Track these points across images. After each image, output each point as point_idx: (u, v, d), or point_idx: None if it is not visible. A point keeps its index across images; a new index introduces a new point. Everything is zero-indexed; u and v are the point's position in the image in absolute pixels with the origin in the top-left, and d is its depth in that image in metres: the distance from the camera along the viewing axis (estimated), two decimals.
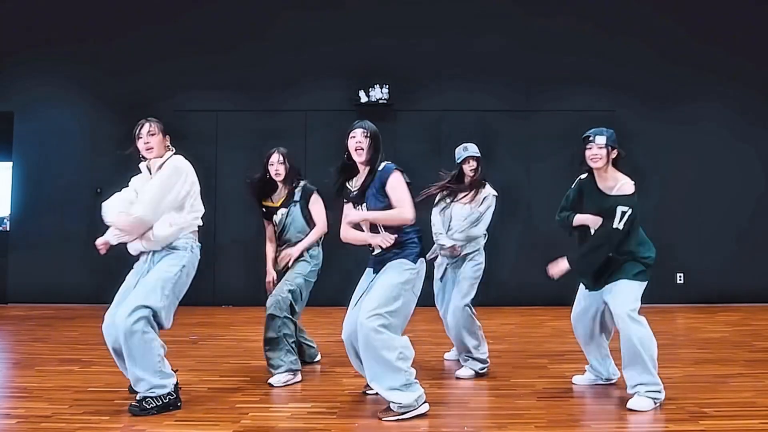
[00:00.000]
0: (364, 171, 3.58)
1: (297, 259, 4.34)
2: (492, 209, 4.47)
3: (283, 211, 4.42)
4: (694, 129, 8.10)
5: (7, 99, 8.22)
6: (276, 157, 4.43)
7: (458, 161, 4.50)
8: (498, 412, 3.48)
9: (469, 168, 4.46)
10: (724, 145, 8.06)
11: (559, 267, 3.71)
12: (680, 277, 7.97)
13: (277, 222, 4.44)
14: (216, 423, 3.29)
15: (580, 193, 3.81)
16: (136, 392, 3.49)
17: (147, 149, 3.77)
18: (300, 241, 4.37)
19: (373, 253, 3.58)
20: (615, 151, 3.79)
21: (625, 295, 3.62)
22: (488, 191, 4.48)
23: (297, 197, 4.42)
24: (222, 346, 5.37)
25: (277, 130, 7.93)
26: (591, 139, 3.79)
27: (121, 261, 8.44)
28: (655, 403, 3.49)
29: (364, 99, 7.96)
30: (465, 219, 4.41)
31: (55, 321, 6.77)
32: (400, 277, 3.41)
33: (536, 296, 7.52)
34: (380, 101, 7.96)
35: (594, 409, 3.50)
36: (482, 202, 4.44)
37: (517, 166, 7.95)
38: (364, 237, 3.58)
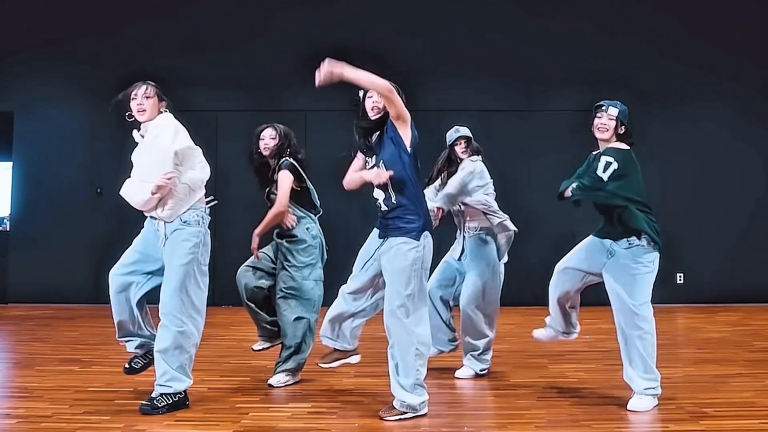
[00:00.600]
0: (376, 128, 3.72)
1: (288, 252, 4.18)
2: (467, 172, 4.32)
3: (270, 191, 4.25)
4: (694, 129, 8.10)
5: (7, 99, 8.22)
6: (268, 132, 4.37)
7: (449, 143, 4.50)
8: (498, 412, 3.48)
9: (460, 150, 4.45)
10: (724, 145, 8.06)
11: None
12: (680, 277, 7.97)
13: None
14: (216, 423, 3.29)
15: (584, 168, 3.76)
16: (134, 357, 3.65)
17: (139, 111, 3.66)
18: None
19: (380, 208, 3.54)
20: (624, 127, 3.73)
21: (637, 285, 3.50)
22: (471, 160, 4.40)
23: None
24: (222, 346, 5.37)
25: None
26: (603, 108, 3.71)
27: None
28: (655, 400, 3.47)
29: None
30: None
31: (55, 321, 6.77)
32: (405, 260, 3.36)
33: (536, 296, 7.52)
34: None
35: (594, 409, 3.49)
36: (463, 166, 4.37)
37: (517, 166, 7.95)
38: (361, 175, 3.62)
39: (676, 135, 8.08)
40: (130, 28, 8.25)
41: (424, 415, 3.37)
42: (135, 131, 3.77)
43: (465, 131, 4.51)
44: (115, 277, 3.68)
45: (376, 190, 3.55)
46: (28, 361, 4.74)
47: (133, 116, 3.70)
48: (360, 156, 3.75)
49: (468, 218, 4.37)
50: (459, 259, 4.38)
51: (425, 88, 8.11)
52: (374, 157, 3.64)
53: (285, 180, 4.14)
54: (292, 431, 3.20)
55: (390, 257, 3.40)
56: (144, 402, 3.45)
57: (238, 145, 8.72)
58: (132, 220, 8.45)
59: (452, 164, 4.45)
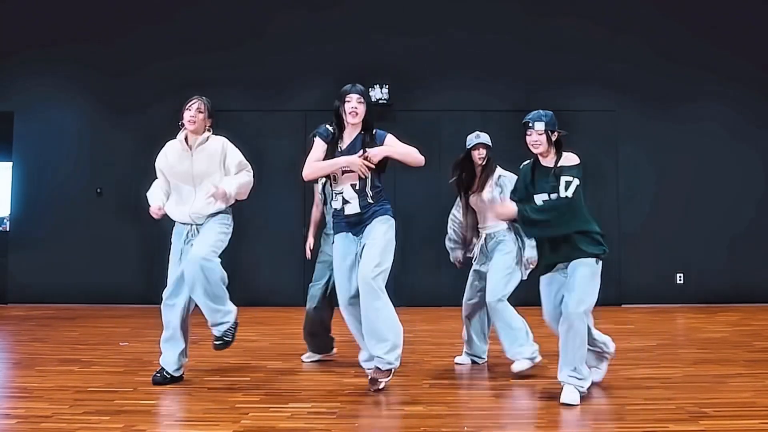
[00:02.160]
0: (354, 131, 3.82)
1: None
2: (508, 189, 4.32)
3: None
4: (694, 129, 8.10)
5: (7, 99, 8.22)
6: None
7: (468, 147, 4.48)
8: (498, 412, 3.48)
9: (478, 155, 4.44)
10: (724, 145, 8.06)
11: (507, 208, 3.69)
12: (680, 277, 7.97)
13: None
14: (216, 423, 3.29)
15: (526, 182, 3.77)
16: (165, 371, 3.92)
17: (190, 122, 4.02)
18: None
19: (346, 214, 3.74)
20: (555, 133, 3.73)
21: (582, 290, 3.62)
22: (502, 172, 4.46)
23: None
24: None
25: (277, 130, 7.93)
26: (530, 125, 3.73)
27: (120, 261, 8.47)
28: (581, 393, 3.57)
29: None
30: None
31: (55, 321, 6.77)
32: (389, 230, 3.74)
33: (537, 296, 7.51)
34: (380, 101, 7.96)
35: (594, 409, 3.49)
36: (498, 182, 4.41)
37: (517, 166, 7.95)
38: (343, 160, 3.74)
39: (676, 135, 8.08)
40: (130, 29, 8.25)
41: (425, 414, 3.37)
42: (182, 133, 4.11)
43: (485, 138, 4.49)
44: (171, 306, 3.99)
45: (344, 194, 3.72)
46: (28, 361, 4.73)
47: (183, 124, 4.06)
48: (321, 144, 3.84)
49: (489, 224, 4.45)
50: (476, 261, 4.51)
51: (425, 87, 8.12)
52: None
53: None
54: (292, 431, 3.20)
55: (374, 226, 3.71)
56: (215, 342, 3.90)
57: (237, 144, 8.73)
58: (132, 221, 8.48)
59: (466, 170, 4.48)
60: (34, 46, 8.24)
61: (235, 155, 4.04)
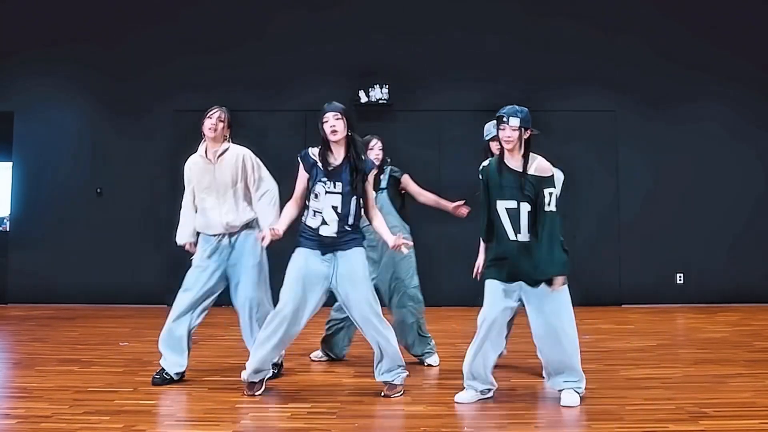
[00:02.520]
0: (340, 150, 3.75)
1: None
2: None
3: None
4: (693, 129, 8.10)
5: (7, 99, 8.22)
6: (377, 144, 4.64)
7: (486, 137, 4.25)
8: (498, 412, 3.48)
9: (495, 147, 4.13)
10: (723, 145, 8.06)
11: (559, 283, 3.51)
12: (680, 277, 7.96)
13: None
14: (216, 423, 3.29)
15: (487, 183, 3.63)
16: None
17: (210, 129, 4.09)
18: None
19: (320, 234, 3.67)
20: (528, 131, 3.61)
21: (562, 305, 3.57)
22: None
23: None
24: (222, 346, 5.37)
25: (277, 130, 7.93)
26: (504, 119, 3.57)
27: (120, 261, 8.45)
28: (580, 395, 3.61)
29: (364, 99, 7.96)
30: None
31: (55, 321, 6.77)
32: (365, 264, 3.76)
33: None
34: (380, 101, 7.96)
35: (594, 409, 3.50)
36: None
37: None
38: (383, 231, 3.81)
39: (676, 135, 8.08)
40: (130, 29, 8.25)
41: (425, 413, 3.37)
42: (203, 145, 4.21)
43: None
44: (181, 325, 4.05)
45: (323, 214, 3.67)
46: (28, 361, 4.74)
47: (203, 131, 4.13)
48: (302, 175, 3.77)
49: None
50: None
51: (425, 87, 8.11)
52: (335, 182, 3.69)
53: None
54: (292, 431, 3.20)
55: (355, 265, 3.69)
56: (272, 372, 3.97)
57: (238, 144, 8.73)
58: (131, 221, 8.48)
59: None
60: (35, 46, 8.24)
61: (251, 172, 4.13)
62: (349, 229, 3.69)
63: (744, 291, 7.88)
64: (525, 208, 3.52)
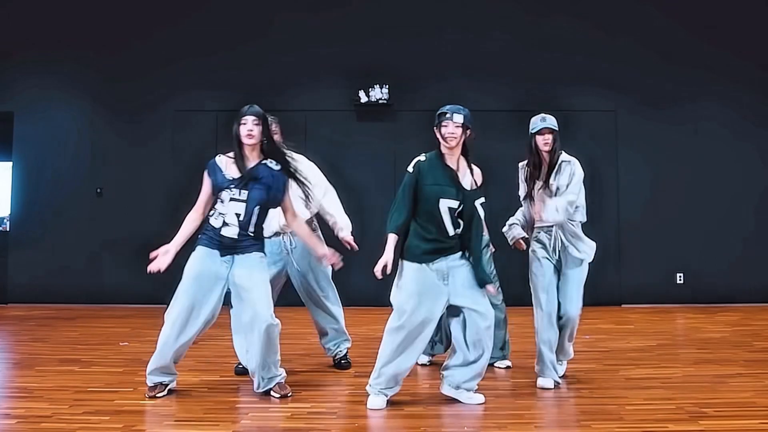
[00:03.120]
0: (254, 155, 3.71)
1: None
2: (581, 174, 3.97)
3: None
4: (694, 129, 8.10)
5: (7, 99, 8.22)
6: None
7: (532, 131, 4.04)
8: (498, 412, 3.48)
9: (543, 141, 3.99)
10: (724, 144, 8.06)
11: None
12: (680, 277, 7.96)
13: None
14: (216, 423, 3.29)
15: (420, 179, 3.53)
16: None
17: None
18: None
19: (221, 234, 3.63)
20: (469, 131, 3.60)
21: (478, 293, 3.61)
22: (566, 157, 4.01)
23: None
24: (222, 346, 5.37)
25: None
26: (448, 115, 3.54)
27: (120, 261, 8.45)
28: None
29: (364, 99, 7.96)
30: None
31: (55, 321, 6.77)
32: (266, 272, 3.72)
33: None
34: (380, 101, 7.96)
35: (594, 409, 3.50)
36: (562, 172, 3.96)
37: (517, 166, 7.95)
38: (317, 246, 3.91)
39: (676, 135, 8.08)
40: (130, 30, 8.25)
41: (426, 413, 3.37)
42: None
43: (552, 122, 4.02)
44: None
45: (225, 217, 3.63)
46: (28, 361, 4.74)
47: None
48: (207, 182, 3.73)
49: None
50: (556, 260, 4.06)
51: (425, 87, 8.11)
52: (239, 190, 3.65)
53: None
54: (292, 431, 3.20)
55: (253, 269, 3.64)
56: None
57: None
58: (131, 221, 8.49)
59: (534, 159, 4.05)
60: (35, 47, 8.24)
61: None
62: (251, 235, 3.66)
63: (744, 291, 7.88)
64: (459, 206, 3.56)
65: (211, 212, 3.70)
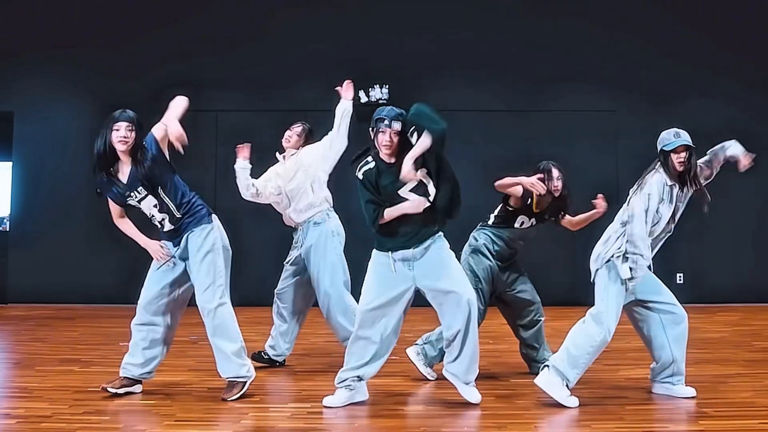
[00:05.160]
0: (127, 162, 3.77)
1: None
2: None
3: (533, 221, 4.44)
4: (694, 128, 8.07)
5: (7, 99, 8.22)
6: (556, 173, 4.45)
7: (667, 148, 3.81)
8: (498, 412, 3.48)
9: (678, 161, 3.77)
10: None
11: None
12: (680, 277, 7.96)
13: None
14: (216, 423, 3.29)
15: (378, 187, 3.46)
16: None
17: (287, 139, 4.73)
18: None
19: (165, 230, 3.68)
20: (412, 132, 3.47)
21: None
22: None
23: None
24: None
25: (278, 130, 7.92)
26: (386, 122, 3.38)
27: (120, 261, 8.46)
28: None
29: (364, 99, 7.96)
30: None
31: (55, 321, 6.77)
32: (205, 244, 3.60)
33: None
34: (380, 101, 7.95)
35: (594, 409, 3.49)
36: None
37: (518, 166, 7.93)
38: None
39: None
40: (129, 30, 8.25)
41: (425, 413, 3.37)
42: (278, 154, 4.77)
43: (687, 138, 3.79)
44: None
45: (153, 219, 3.70)
46: (28, 361, 4.74)
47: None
48: (111, 203, 3.92)
49: None
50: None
51: (425, 87, 8.10)
52: (136, 190, 3.73)
53: None
54: (292, 431, 3.20)
55: (193, 250, 3.60)
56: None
57: (238, 144, 8.72)
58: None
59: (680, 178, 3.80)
60: (35, 47, 8.24)
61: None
62: (182, 215, 3.64)
63: (744, 291, 7.88)
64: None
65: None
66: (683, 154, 3.79)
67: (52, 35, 8.25)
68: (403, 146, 3.42)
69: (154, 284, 3.74)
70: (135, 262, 8.06)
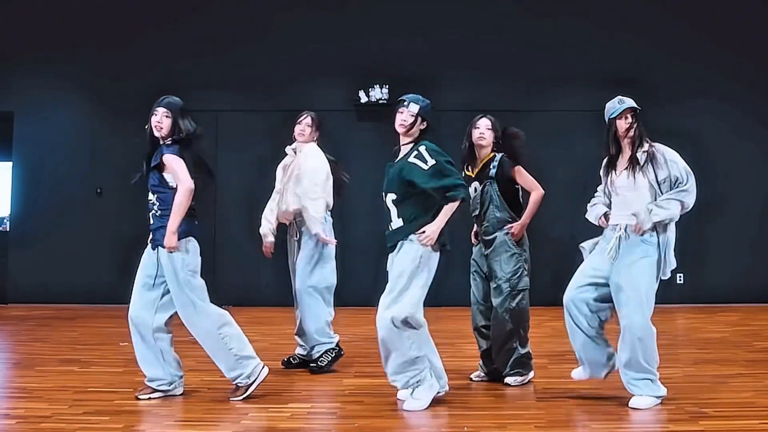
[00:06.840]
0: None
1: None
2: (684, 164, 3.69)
3: (477, 184, 4.31)
4: (695, 128, 8.09)
5: (7, 99, 8.21)
6: (483, 122, 4.42)
7: (611, 116, 3.82)
8: (498, 412, 3.48)
9: (624, 125, 3.80)
10: (725, 144, 8.05)
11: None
12: (680, 277, 7.96)
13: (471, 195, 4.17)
14: (216, 423, 3.29)
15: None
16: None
17: (300, 133, 4.63)
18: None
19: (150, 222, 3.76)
20: (425, 122, 3.74)
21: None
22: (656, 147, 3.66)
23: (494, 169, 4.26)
24: None
25: (277, 130, 7.92)
26: (405, 103, 3.70)
27: (120, 262, 8.44)
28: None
29: (364, 99, 7.96)
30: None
31: (55, 321, 6.77)
32: (179, 255, 3.69)
33: (536, 296, 7.50)
34: (380, 101, 7.96)
35: (594, 409, 3.50)
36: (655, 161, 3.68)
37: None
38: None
39: (677, 134, 8.05)
40: (129, 30, 8.24)
41: (425, 413, 3.37)
42: (288, 147, 4.74)
43: (631, 102, 3.77)
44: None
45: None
46: (28, 361, 4.74)
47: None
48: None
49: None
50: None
51: (425, 87, 8.08)
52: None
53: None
54: (292, 431, 3.20)
55: (166, 260, 3.74)
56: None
57: (237, 145, 8.74)
58: (131, 221, 8.46)
59: (615, 146, 3.80)
60: (35, 47, 8.23)
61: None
62: (158, 214, 3.74)
63: (744, 291, 7.87)
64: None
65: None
66: (629, 116, 3.83)
67: (52, 35, 8.25)
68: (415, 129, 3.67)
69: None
70: (135, 262, 8.09)
